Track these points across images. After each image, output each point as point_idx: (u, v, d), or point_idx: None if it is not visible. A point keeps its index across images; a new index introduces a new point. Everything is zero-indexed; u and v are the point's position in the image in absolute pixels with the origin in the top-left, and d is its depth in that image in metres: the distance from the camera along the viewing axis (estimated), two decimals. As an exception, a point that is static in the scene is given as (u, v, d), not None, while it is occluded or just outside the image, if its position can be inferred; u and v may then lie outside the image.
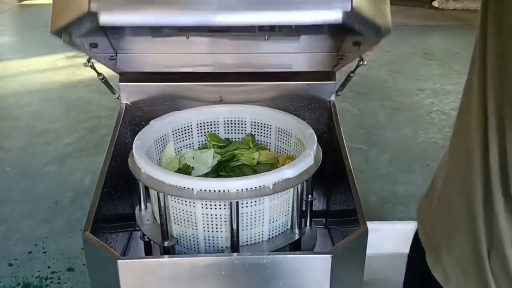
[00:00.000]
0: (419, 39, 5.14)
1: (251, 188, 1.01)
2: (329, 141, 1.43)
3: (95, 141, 2.85)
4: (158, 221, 1.12)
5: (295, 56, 1.45)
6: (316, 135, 1.21)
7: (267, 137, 1.37)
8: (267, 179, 1.02)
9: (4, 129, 3.07)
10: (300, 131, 1.25)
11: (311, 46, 1.43)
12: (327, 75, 1.43)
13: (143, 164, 1.07)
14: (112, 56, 1.40)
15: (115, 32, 1.34)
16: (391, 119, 3.24)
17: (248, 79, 1.43)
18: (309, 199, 1.24)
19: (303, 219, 1.19)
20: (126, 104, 1.43)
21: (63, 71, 4.14)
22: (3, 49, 4.86)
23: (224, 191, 1.00)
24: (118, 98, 1.43)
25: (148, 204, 1.24)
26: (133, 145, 1.15)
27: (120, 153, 1.31)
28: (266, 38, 1.38)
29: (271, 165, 1.32)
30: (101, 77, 1.33)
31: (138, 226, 1.24)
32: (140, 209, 1.24)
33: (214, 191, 1.00)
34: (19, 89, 3.74)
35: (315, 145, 1.14)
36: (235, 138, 1.40)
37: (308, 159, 1.09)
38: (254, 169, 1.32)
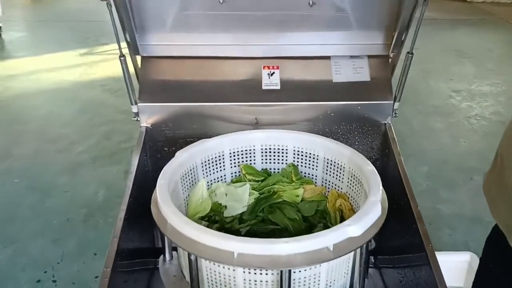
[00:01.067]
0: (448, 35, 4.85)
1: (306, 252, 0.80)
2: (382, 169, 1.22)
3: (110, 148, 2.66)
4: (188, 280, 0.92)
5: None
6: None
7: (313, 168, 1.15)
8: (326, 239, 0.81)
9: (14, 133, 2.89)
10: (355, 165, 1.04)
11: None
12: (383, 94, 1.21)
13: (169, 214, 0.87)
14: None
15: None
16: (426, 126, 2.99)
17: (288, 98, 1.22)
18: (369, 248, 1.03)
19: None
20: (147, 127, 1.22)
21: (76, 69, 3.95)
22: (14, 46, 4.67)
23: (272, 255, 0.79)
24: (137, 120, 1.23)
25: (174, 253, 1.04)
26: (157, 186, 0.94)
27: (141, 183, 1.11)
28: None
29: (318, 203, 1.11)
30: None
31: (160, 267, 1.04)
32: (164, 260, 1.04)
33: (260, 254, 0.79)
34: (30, 89, 3.56)
35: (380, 190, 0.93)
36: (274, 170, 1.19)
37: (375, 209, 0.87)
38: (297, 208, 1.11)
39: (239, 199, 1.10)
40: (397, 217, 1.02)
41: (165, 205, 0.89)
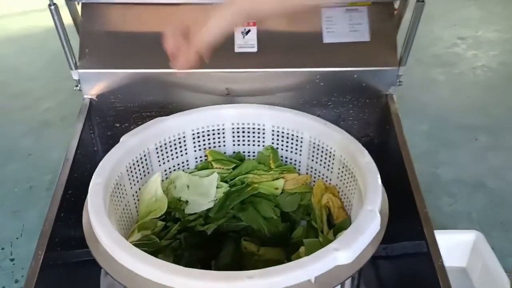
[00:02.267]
0: (452, -26, 4.50)
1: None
2: (380, 150, 1.00)
3: (79, 105, 2.41)
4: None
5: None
6: (363, 141, 0.79)
7: (296, 153, 0.93)
8: (306, 270, 0.60)
9: (-27, 88, 2.63)
10: (348, 155, 0.82)
11: None
12: (386, 56, 0.97)
13: (101, 232, 0.65)
14: None
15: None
16: (427, 78, 2.74)
17: (267, 63, 0.98)
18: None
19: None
20: (91, 99, 0.99)
21: (47, 13, 3.61)
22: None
23: (234, 293, 0.59)
24: (79, 90, 0.99)
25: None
26: (90, 189, 0.72)
27: (84, 170, 0.90)
28: None
29: (302, 196, 0.90)
30: None
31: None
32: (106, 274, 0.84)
33: (218, 293, 0.59)
34: (-6, 36, 3.25)
35: (380, 194, 0.71)
36: (249, 154, 0.96)
37: (371, 225, 0.66)
38: (276, 202, 0.90)
39: (205, 193, 0.89)
40: (397, 216, 0.81)
41: (97, 218, 0.67)
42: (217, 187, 0.89)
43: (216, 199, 0.89)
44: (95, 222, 0.67)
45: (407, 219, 0.82)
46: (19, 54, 3.02)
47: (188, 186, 0.89)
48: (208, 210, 0.89)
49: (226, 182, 0.91)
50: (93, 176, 0.74)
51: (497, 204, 1.81)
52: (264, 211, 0.87)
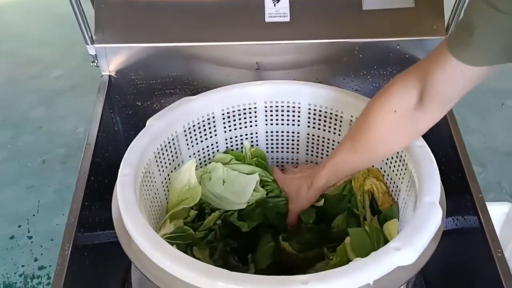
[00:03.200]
0: None
1: (336, 294, 0.53)
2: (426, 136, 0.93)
3: (91, 73, 2.28)
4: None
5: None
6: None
7: (334, 133, 0.86)
8: (365, 273, 0.54)
9: (-22, 57, 2.55)
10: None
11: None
12: (432, 24, 0.88)
13: (134, 229, 0.60)
14: None
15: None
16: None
17: (301, 33, 0.89)
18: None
19: None
20: (110, 76, 0.92)
21: (51, -25, 3.47)
22: None
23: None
24: (96, 65, 0.92)
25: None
26: (118, 181, 0.66)
27: (107, 154, 0.84)
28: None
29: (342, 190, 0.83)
30: None
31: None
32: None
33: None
34: (-2, 1, 3.13)
35: (439, 185, 0.64)
36: (282, 134, 0.89)
37: (433, 219, 0.59)
38: (318, 208, 0.83)
39: (239, 192, 0.81)
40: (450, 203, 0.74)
41: (127, 214, 0.61)
42: (254, 190, 0.82)
43: (249, 203, 0.82)
44: (127, 219, 0.61)
45: (460, 208, 0.76)
46: (25, 18, 2.91)
47: (224, 181, 0.82)
48: (240, 212, 0.82)
49: (263, 187, 0.84)
50: (121, 166, 0.68)
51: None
52: (304, 218, 0.81)
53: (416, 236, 0.57)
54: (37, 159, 1.87)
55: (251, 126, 0.87)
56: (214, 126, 0.84)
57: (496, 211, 1.36)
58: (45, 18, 2.88)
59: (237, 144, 0.88)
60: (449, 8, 0.89)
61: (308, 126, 0.87)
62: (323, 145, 0.87)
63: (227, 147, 0.87)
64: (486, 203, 1.25)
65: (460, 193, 0.77)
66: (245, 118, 0.86)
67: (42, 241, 1.56)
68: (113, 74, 0.91)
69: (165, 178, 0.79)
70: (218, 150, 0.87)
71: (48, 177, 1.78)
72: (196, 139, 0.83)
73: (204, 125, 0.83)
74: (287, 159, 0.92)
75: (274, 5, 0.88)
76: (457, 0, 0.87)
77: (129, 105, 0.94)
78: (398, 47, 0.88)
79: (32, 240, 1.57)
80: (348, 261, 0.70)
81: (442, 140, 0.85)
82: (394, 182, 0.78)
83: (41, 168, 1.83)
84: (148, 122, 0.76)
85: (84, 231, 0.74)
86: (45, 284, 1.43)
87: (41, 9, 2.99)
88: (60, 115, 2.09)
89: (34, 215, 1.65)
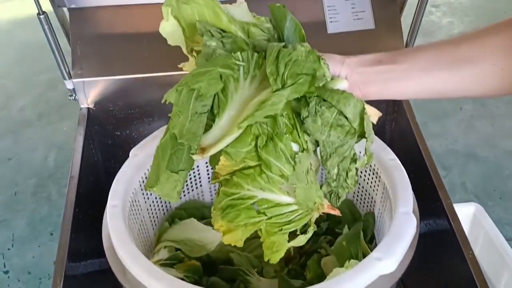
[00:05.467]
0: None
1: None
2: (389, 135, 0.99)
3: (56, 100, 2.30)
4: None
5: None
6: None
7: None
8: (352, 285, 0.58)
9: None
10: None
11: None
12: (393, 43, 0.95)
13: (128, 259, 0.62)
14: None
15: None
16: (406, 47, 2.74)
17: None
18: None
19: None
20: (89, 108, 0.93)
21: (9, 4, 3.42)
22: None
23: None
24: (74, 99, 0.93)
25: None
26: (108, 213, 0.68)
27: (90, 185, 0.85)
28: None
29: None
30: None
31: None
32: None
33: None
34: (-46, 32, 3.07)
35: (411, 195, 0.70)
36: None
37: (410, 228, 0.64)
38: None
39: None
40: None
41: (121, 245, 0.63)
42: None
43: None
44: (120, 250, 0.63)
45: (430, 213, 0.81)
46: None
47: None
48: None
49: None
50: (109, 198, 0.70)
51: (490, 174, 1.84)
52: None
53: (395, 246, 0.62)
54: (8, 192, 1.84)
55: (230, 149, 0.91)
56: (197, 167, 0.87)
57: (464, 212, 1.43)
58: (5, 49, 2.84)
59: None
60: (407, 29, 0.96)
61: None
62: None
63: (208, 175, 0.90)
64: (454, 204, 1.32)
65: (430, 199, 0.83)
66: (223, 141, 0.89)
67: (20, 275, 1.53)
68: (91, 106, 0.93)
69: (150, 205, 0.81)
70: (200, 178, 0.90)
71: (21, 210, 1.76)
72: (178, 167, 0.86)
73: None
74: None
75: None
76: (413, 22, 0.93)
77: (109, 135, 0.96)
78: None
79: (8, 275, 1.54)
80: (322, 273, 0.75)
81: (409, 149, 0.91)
82: (369, 194, 0.82)
83: (13, 200, 1.81)
84: (132, 152, 0.79)
85: (73, 262, 0.76)
86: (27, 318, 1.41)
87: (1, 40, 2.95)
88: (29, 145, 2.07)
89: (9, 249, 1.63)
